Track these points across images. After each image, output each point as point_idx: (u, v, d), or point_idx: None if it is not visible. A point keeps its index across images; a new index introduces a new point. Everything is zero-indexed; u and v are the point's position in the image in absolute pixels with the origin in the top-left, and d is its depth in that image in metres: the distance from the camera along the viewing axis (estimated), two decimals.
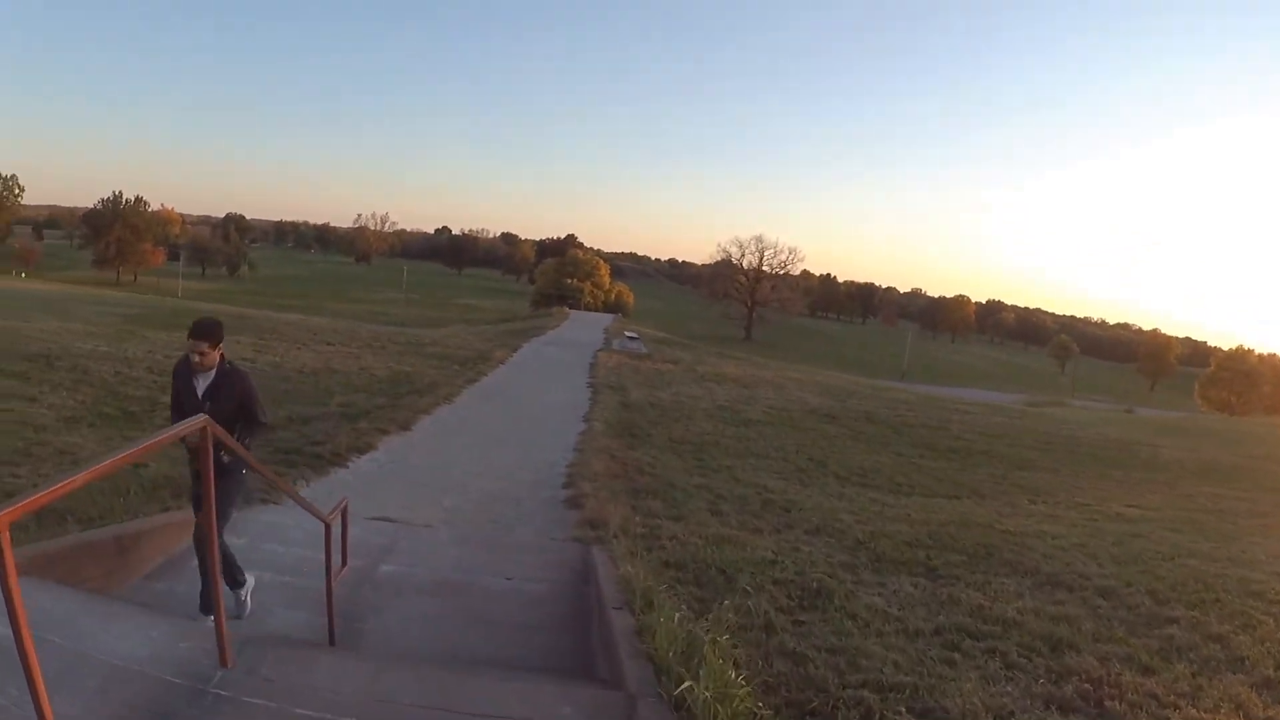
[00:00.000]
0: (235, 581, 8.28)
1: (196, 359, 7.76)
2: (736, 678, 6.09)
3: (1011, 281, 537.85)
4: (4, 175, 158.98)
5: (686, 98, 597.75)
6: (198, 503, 7.98)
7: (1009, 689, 7.56)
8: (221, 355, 7.95)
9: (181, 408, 7.84)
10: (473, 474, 17.15)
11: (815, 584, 10.53)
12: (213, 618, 5.71)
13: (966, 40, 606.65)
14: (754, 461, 21.81)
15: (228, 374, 7.98)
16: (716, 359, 60.38)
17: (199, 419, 5.47)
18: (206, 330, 7.74)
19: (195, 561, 8.36)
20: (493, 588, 10.01)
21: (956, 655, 8.39)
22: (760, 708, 6.01)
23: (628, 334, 63.69)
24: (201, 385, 7.88)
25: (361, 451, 17.63)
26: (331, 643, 7.84)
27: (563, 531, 13.45)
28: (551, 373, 38.27)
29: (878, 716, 6.76)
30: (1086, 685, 7.75)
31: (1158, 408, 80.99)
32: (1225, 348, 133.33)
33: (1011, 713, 7.02)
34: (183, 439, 5.81)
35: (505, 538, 13.18)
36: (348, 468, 16.43)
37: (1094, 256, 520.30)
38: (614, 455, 19.84)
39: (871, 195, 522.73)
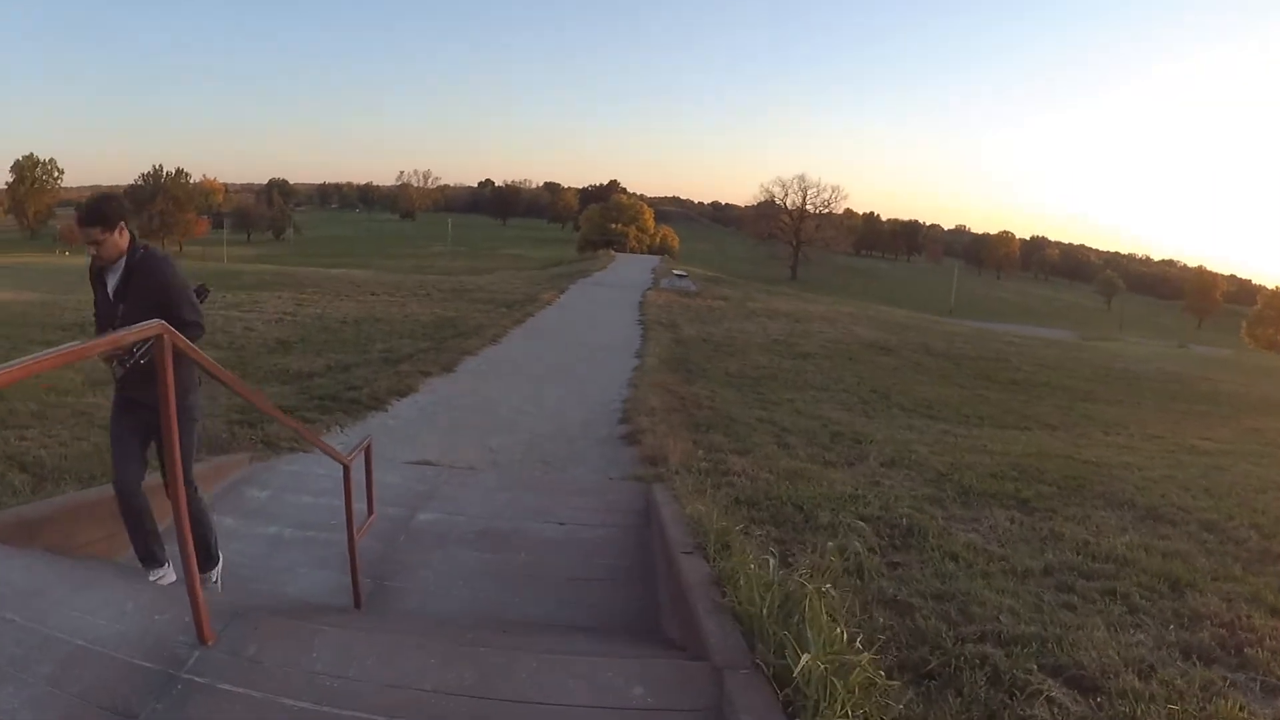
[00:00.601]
0: (204, 560, 5.99)
1: (92, 250, 5.86)
2: (846, 638, 4.62)
3: (1055, 218, 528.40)
4: (42, 159, 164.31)
5: (720, 36, 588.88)
6: (125, 446, 6.10)
7: (1140, 637, 6.31)
8: (132, 239, 5.97)
9: (98, 318, 6.07)
10: (521, 413, 15.96)
11: (904, 521, 9.27)
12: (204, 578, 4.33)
13: None
14: (815, 394, 20.80)
15: (141, 262, 5.93)
16: (766, 295, 59.23)
17: (152, 324, 4.08)
18: (94, 212, 5.81)
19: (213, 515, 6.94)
20: (543, 535, 8.77)
21: (1074, 598, 7.15)
22: (882, 677, 4.55)
23: (676, 272, 62.11)
24: (111, 282, 5.98)
25: (402, 395, 16.48)
26: (357, 605, 6.69)
27: (620, 470, 12.31)
28: (601, 312, 37.06)
29: (1008, 678, 5.45)
30: (1221, 630, 6.53)
31: (1206, 345, 78.72)
32: (1271, 286, 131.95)
33: (1151, 666, 5.73)
34: (112, 358, 4.53)
35: (557, 479, 11.98)
36: (387, 410, 15.29)
37: (1138, 192, 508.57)
38: (670, 390, 18.70)
39: (913, 131, 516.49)
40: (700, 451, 12.79)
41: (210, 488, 9.04)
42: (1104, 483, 11.95)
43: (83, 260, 6.80)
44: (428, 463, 11.97)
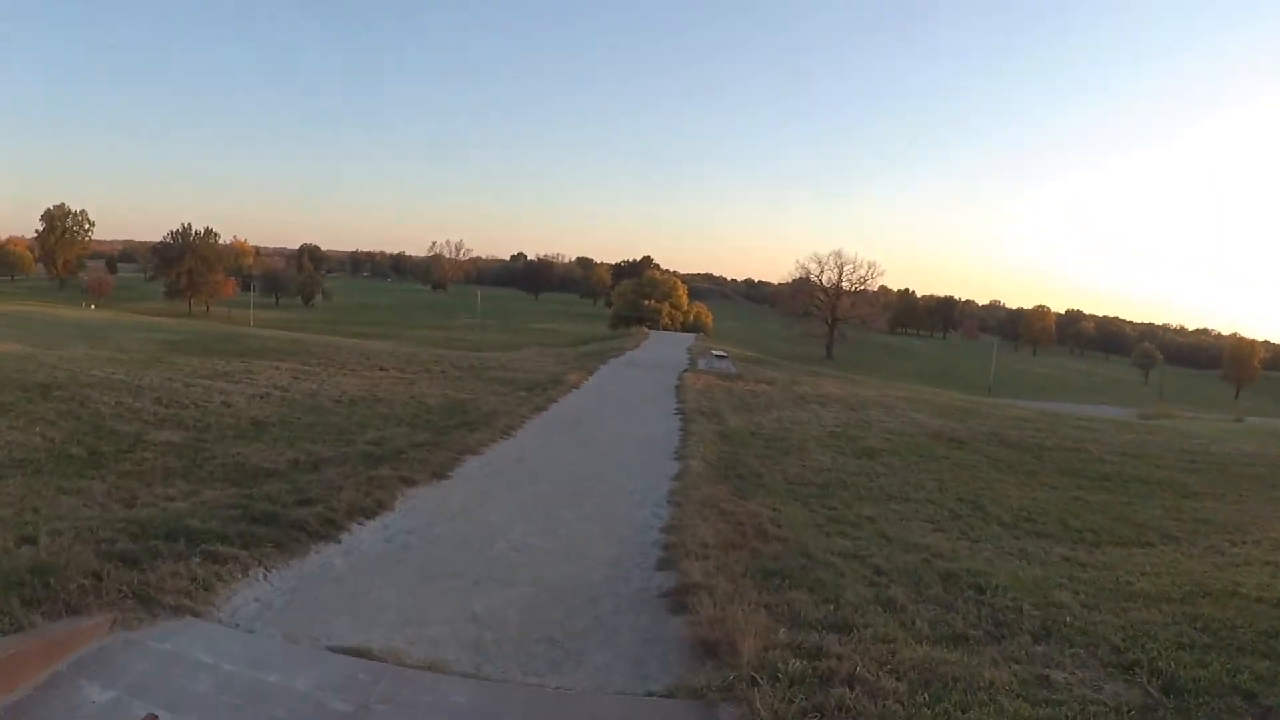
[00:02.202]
0: None
1: None
2: None
3: (1089, 291, 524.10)
4: (74, 210, 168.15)
5: (756, 113, 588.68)
6: None
7: None
8: None
9: None
10: (525, 549, 11.81)
11: None
12: None
13: (1026, 34, 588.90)
14: (897, 508, 16.99)
15: None
16: (811, 377, 55.62)
17: None
18: None
19: None
20: None
21: None
22: None
23: (715, 352, 58.41)
24: None
25: (369, 514, 12.45)
26: None
27: (664, 666, 8.32)
28: (633, 398, 32.70)
29: None
30: None
31: (1254, 415, 75.08)
32: None
33: None
34: None
35: (567, 688, 7.78)
36: (340, 542, 11.21)
37: (1169, 261, 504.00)
38: (722, 509, 14.55)
39: (945, 205, 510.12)
40: (782, 630, 8.70)
41: (22, 679, 6.57)
42: None
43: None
44: (365, 653, 7.84)
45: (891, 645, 8.38)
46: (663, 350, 61.61)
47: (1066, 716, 6.97)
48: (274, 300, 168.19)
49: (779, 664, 7.57)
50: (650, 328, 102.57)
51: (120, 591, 8.08)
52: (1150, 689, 7.73)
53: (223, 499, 12.58)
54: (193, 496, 13.46)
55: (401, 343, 60.60)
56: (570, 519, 13.46)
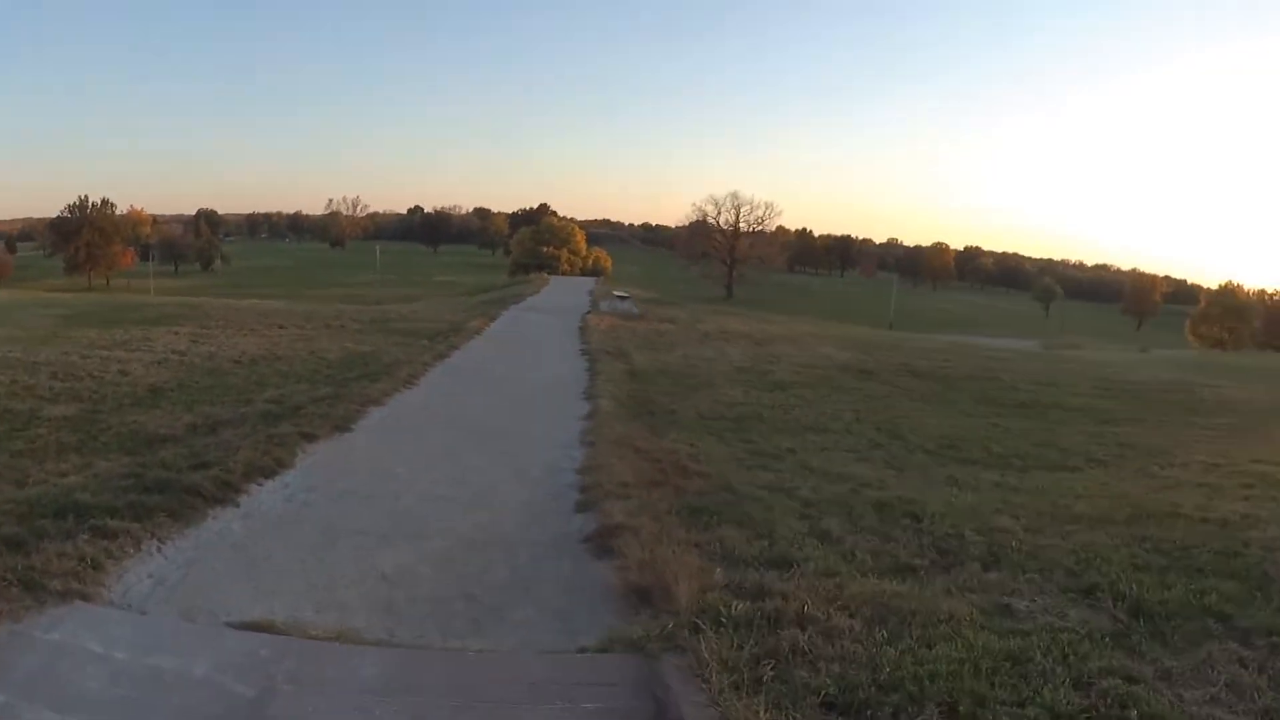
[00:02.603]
0: None
1: None
2: None
3: (987, 227, 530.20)
4: None
5: (642, 52, 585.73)
6: None
7: None
8: None
9: None
10: (434, 499, 10.99)
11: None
12: None
13: None
14: (815, 439, 16.89)
15: None
16: (714, 316, 55.35)
17: None
18: None
19: None
20: None
21: None
22: None
23: (616, 294, 57.54)
24: None
25: (268, 474, 11.47)
26: None
27: (594, 616, 7.64)
28: (537, 341, 32.00)
29: None
30: None
31: (1156, 347, 76.45)
32: (1205, 285, 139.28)
33: None
34: None
35: (490, 649, 6.99)
36: (238, 505, 10.25)
37: (1068, 197, 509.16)
38: (638, 448, 13.95)
39: (841, 144, 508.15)
40: (718, 570, 8.10)
41: None
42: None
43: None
44: (268, 627, 6.99)
45: (836, 580, 7.89)
46: (564, 295, 60.26)
47: (1039, 646, 6.44)
48: (174, 268, 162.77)
49: (720, 607, 6.98)
50: (550, 274, 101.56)
51: (4, 579, 7.21)
52: (1117, 613, 7.43)
53: (116, 469, 11.59)
54: (86, 470, 12.35)
55: (302, 302, 58.78)
56: (480, 466, 12.69)
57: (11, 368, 23.18)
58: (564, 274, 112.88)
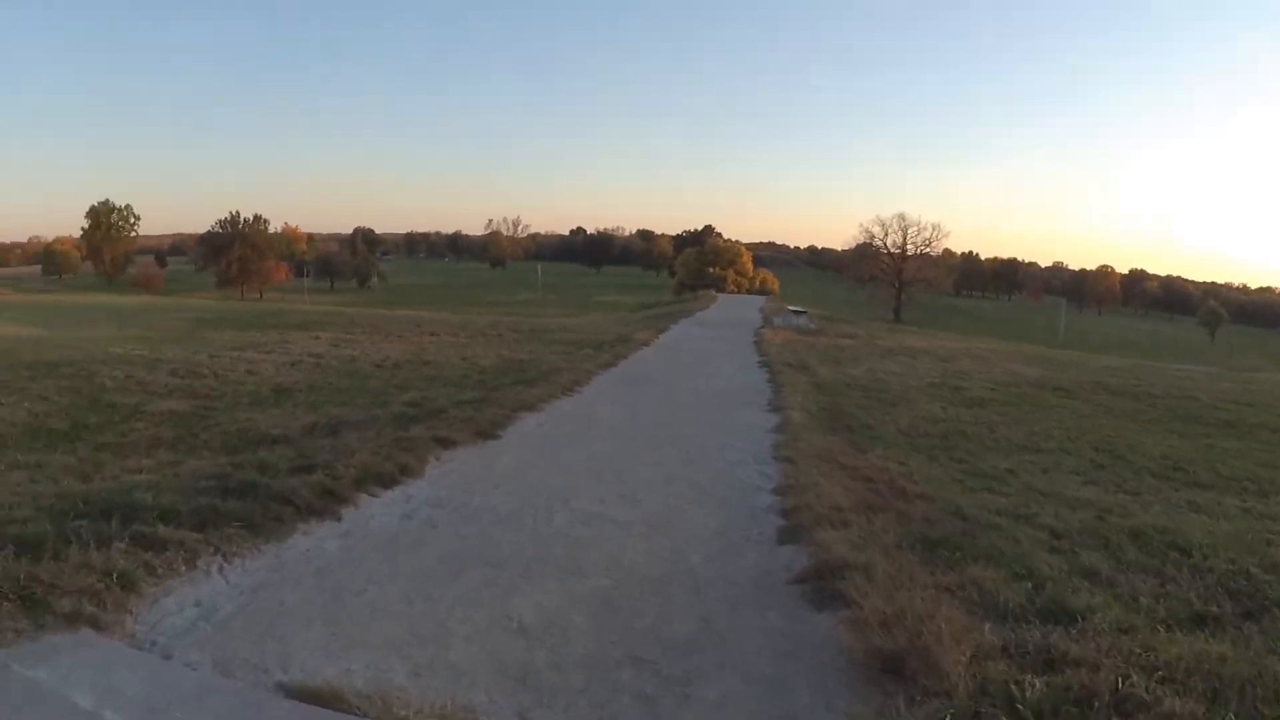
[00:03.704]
0: None
1: None
2: None
3: (1151, 251, 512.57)
4: (118, 206, 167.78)
5: (811, 74, 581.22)
6: None
7: None
8: None
9: None
10: (594, 520, 8.75)
11: None
12: None
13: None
14: (1032, 458, 14.99)
15: None
16: (892, 333, 53.16)
17: None
18: None
19: None
20: None
21: None
22: None
23: (792, 309, 54.86)
24: None
25: (386, 482, 9.51)
26: None
27: (824, 697, 5.41)
28: (711, 352, 29.57)
29: None
30: None
31: None
32: None
33: None
34: None
35: None
36: (339, 520, 8.28)
37: (1231, 220, 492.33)
38: (842, 464, 11.76)
39: (1006, 167, 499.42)
40: (987, 626, 6.01)
41: None
42: None
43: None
44: (335, 696, 4.89)
45: (1137, 637, 6.04)
46: (734, 310, 58.51)
47: None
48: (329, 285, 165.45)
49: (1010, 686, 4.94)
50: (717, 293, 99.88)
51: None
52: None
53: (202, 468, 9.75)
54: (169, 467, 10.66)
55: (458, 315, 57.84)
56: (653, 482, 10.41)
57: (130, 364, 22.60)
58: (730, 294, 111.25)
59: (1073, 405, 22.94)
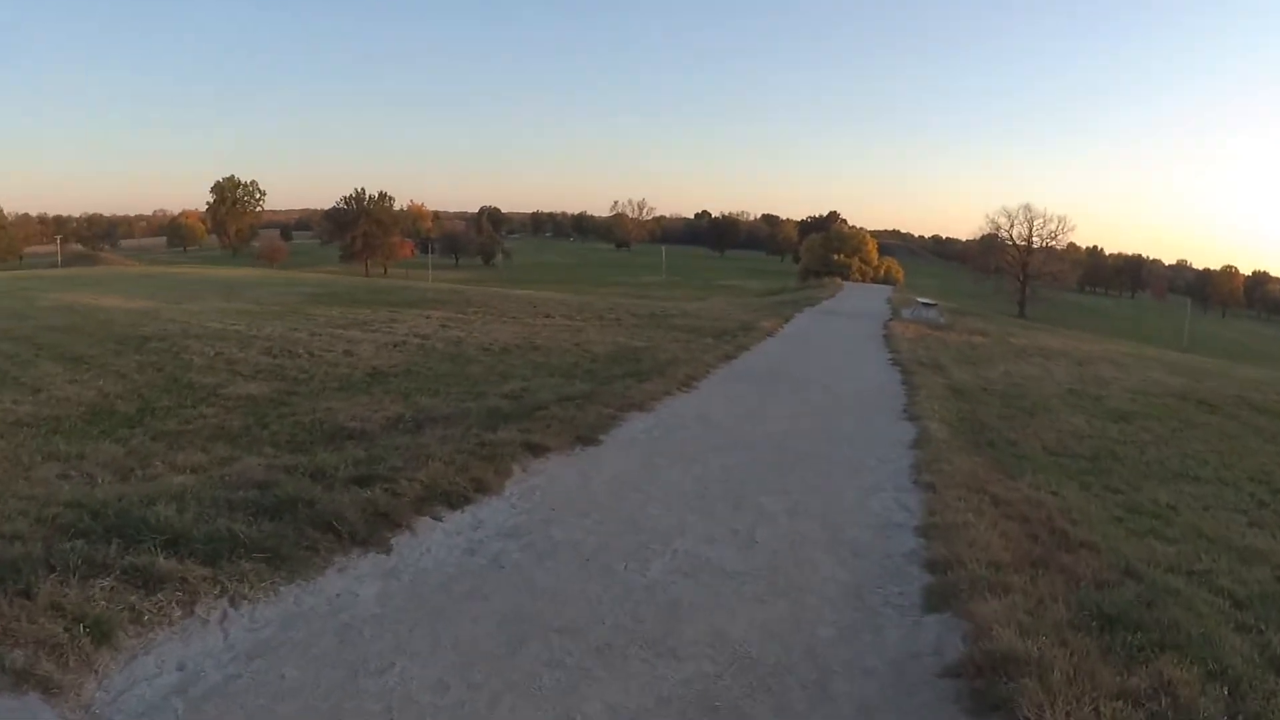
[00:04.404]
0: None
1: None
2: None
3: (1270, 251, 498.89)
4: (244, 181, 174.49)
5: (936, 66, 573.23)
6: None
7: None
8: None
9: None
10: (700, 570, 7.10)
11: None
12: None
13: None
14: (1189, 489, 13.43)
15: None
16: (1024, 330, 51.41)
17: None
18: None
19: None
20: None
21: None
22: None
23: (922, 301, 53.05)
24: None
25: (455, 502, 8.03)
26: None
27: None
28: (837, 346, 28.07)
29: None
30: None
31: None
32: None
33: None
34: None
35: None
36: (389, 552, 6.87)
37: None
38: (993, 494, 9.95)
39: (1135, 158, 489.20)
40: None
41: None
42: None
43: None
44: None
45: None
46: (860, 300, 56.87)
47: None
48: (454, 261, 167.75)
49: None
50: (842, 281, 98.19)
51: None
52: None
53: (250, 473, 8.33)
54: (220, 466, 9.51)
55: (579, 296, 56.64)
56: (775, 513, 8.74)
57: (225, 340, 22.13)
58: (855, 282, 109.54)
59: (1219, 423, 21.33)
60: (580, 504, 8.49)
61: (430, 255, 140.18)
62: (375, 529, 7.00)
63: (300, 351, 20.43)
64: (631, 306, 41.70)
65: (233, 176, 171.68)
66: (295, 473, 8.16)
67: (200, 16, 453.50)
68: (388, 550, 6.79)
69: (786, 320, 34.91)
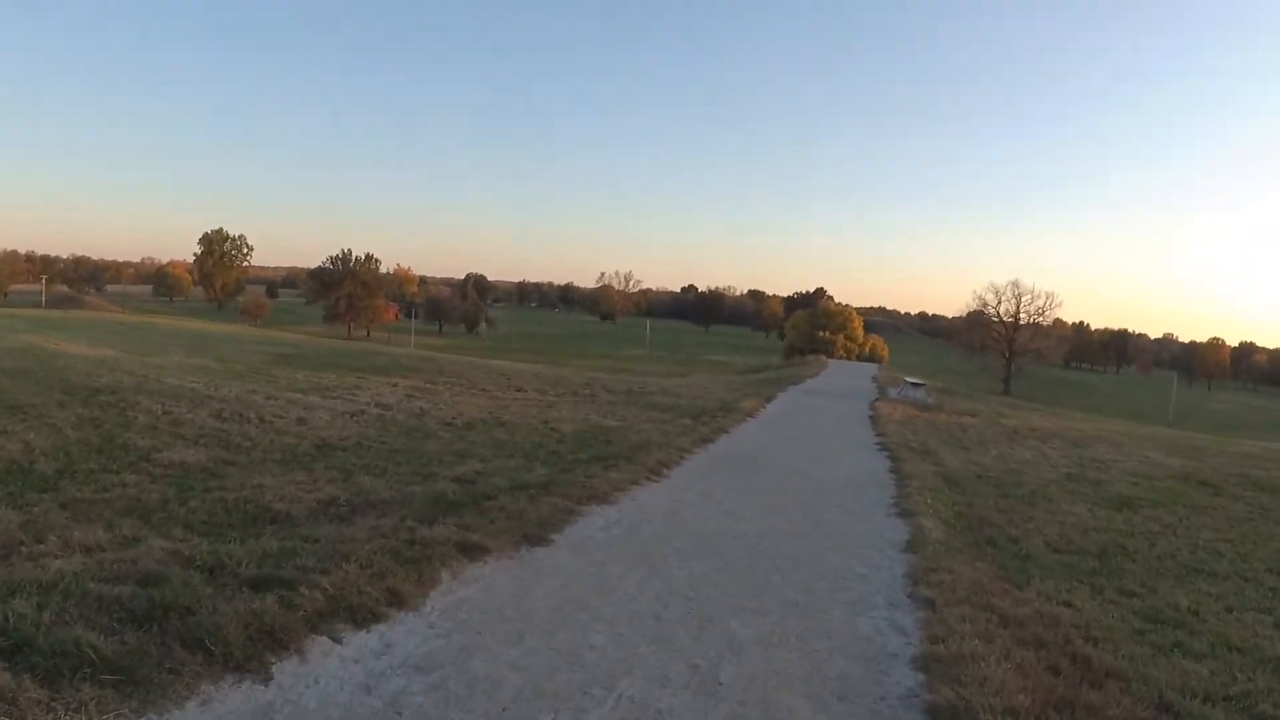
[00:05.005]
0: None
1: None
2: None
3: (1260, 322, 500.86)
4: (232, 235, 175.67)
5: (920, 141, 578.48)
6: None
7: None
8: None
9: None
10: None
11: None
12: None
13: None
14: (1208, 586, 12.15)
15: None
16: (1014, 410, 49.57)
17: None
18: None
19: None
20: None
21: None
22: None
23: (910, 380, 51.50)
24: None
25: (360, 621, 6.73)
26: None
27: None
28: (822, 429, 26.52)
29: None
30: None
31: None
32: None
33: None
34: None
35: None
36: (267, 683, 5.55)
37: None
38: (1000, 611, 8.62)
39: (1123, 233, 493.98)
40: None
41: None
42: None
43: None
44: None
45: None
46: (845, 378, 55.76)
47: None
48: (438, 328, 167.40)
49: None
50: (827, 358, 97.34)
51: None
52: None
53: (143, 562, 7.16)
54: (119, 549, 8.37)
55: (557, 368, 55.32)
56: (745, 641, 7.30)
57: (178, 399, 21.06)
58: (840, 359, 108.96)
59: (1225, 506, 19.84)
60: (513, 626, 7.08)
61: (414, 320, 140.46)
62: (257, 651, 5.72)
63: (251, 416, 19.19)
64: (609, 382, 40.47)
65: (221, 229, 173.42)
66: (192, 565, 7.01)
67: (200, 67, 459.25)
68: (266, 679, 5.50)
69: (769, 400, 33.51)
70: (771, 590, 8.89)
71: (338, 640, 6.22)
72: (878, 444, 23.07)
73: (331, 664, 5.88)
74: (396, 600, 7.03)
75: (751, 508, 13.07)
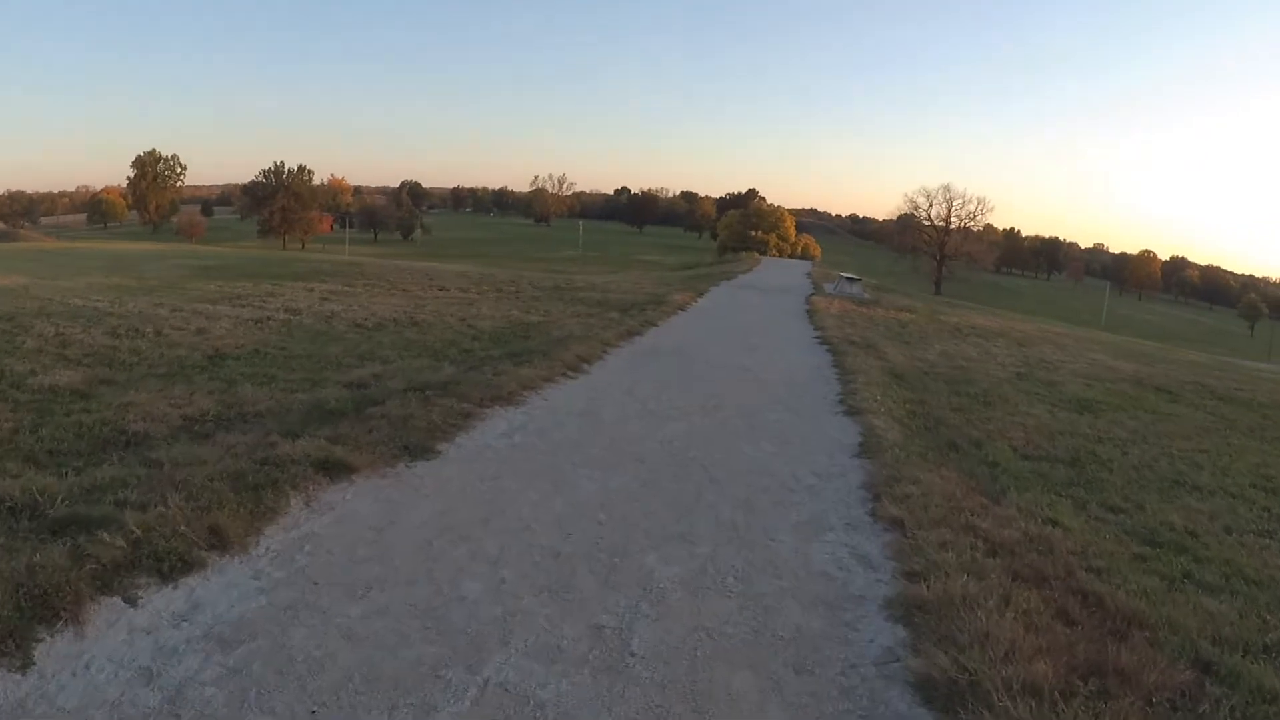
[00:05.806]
0: None
1: None
2: None
3: (1191, 238, 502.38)
4: (165, 156, 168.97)
5: (856, 45, 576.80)
6: None
7: None
8: None
9: None
10: (547, 695, 4.12)
11: None
12: None
13: None
14: (1195, 502, 10.66)
15: None
16: (952, 308, 48.36)
17: None
18: None
19: None
20: None
21: None
22: None
23: (845, 275, 49.91)
24: None
25: (170, 572, 5.02)
26: None
27: None
28: (757, 323, 25.19)
29: None
30: None
31: None
32: None
33: None
34: None
35: None
36: (27, 670, 3.91)
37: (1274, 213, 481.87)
38: (985, 534, 7.05)
39: (1049, 143, 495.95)
40: None
41: None
42: None
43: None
44: None
45: None
46: (779, 275, 54.17)
47: None
48: (374, 237, 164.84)
49: None
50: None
51: None
52: None
53: None
54: None
55: (483, 268, 53.63)
56: (667, 586, 5.65)
57: (76, 318, 19.44)
58: (773, 258, 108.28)
59: (1187, 414, 18.63)
60: (364, 571, 5.45)
61: (349, 230, 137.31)
62: (23, 624, 4.18)
63: (148, 330, 17.33)
64: (536, 279, 38.88)
65: (154, 151, 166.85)
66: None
67: None
68: (25, 666, 3.96)
69: (701, 294, 32.11)
70: (703, 509, 7.30)
71: (132, 602, 4.66)
72: (817, 337, 21.76)
73: (114, 638, 4.35)
74: (220, 541, 5.43)
75: (681, 406, 11.56)
